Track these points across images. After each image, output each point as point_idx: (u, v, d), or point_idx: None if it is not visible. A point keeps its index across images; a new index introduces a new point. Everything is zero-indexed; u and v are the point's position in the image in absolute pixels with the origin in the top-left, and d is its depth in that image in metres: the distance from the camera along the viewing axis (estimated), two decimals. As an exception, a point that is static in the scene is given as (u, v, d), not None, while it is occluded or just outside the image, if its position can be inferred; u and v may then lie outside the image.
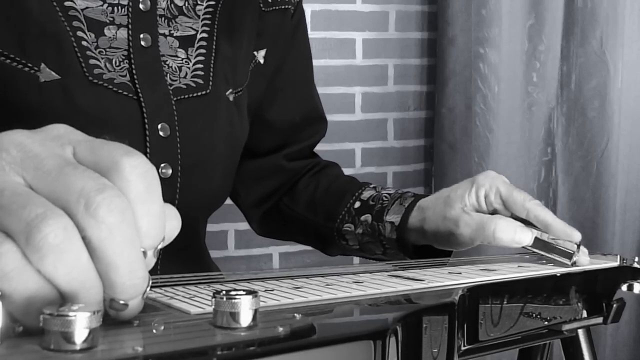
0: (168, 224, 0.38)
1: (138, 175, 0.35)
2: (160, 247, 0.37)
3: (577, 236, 0.69)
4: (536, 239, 0.69)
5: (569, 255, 0.66)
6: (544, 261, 0.68)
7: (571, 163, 1.83)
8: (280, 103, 0.88)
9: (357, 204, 0.84)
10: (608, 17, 1.76)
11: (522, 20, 1.78)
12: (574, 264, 0.66)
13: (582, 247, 0.68)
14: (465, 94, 1.76)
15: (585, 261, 0.67)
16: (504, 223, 0.70)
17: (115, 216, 0.34)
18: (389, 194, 0.83)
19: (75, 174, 0.34)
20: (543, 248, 0.68)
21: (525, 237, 0.70)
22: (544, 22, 1.79)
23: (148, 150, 0.68)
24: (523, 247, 0.70)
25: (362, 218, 0.83)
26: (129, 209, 0.34)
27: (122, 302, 0.35)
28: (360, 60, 1.82)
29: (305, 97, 0.92)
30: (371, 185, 0.86)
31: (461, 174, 1.76)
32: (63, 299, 0.34)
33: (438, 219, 0.75)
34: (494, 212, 0.74)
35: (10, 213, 0.33)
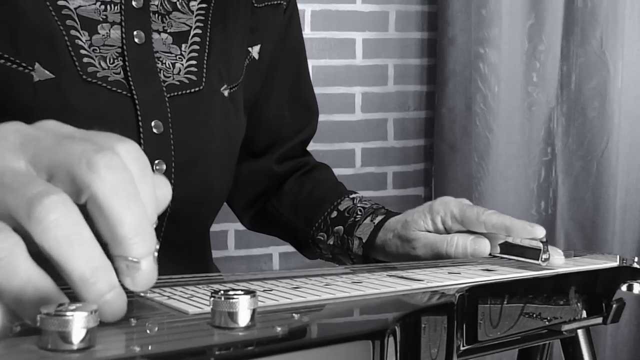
0: (159, 192, 0.39)
1: (132, 159, 0.37)
2: (155, 224, 0.38)
3: (539, 232, 0.66)
4: (503, 244, 0.68)
5: (536, 253, 0.63)
6: (513, 262, 0.66)
7: (571, 163, 1.83)
8: (274, 98, 0.88)
9: (334, 214, 0.85)
10: (608, 17, 1.76)
11: (522, 20, 1.78)
12: (546, 262, 0.63)
13: (556, 249, 0.65)
14: (465, 94, 1.76)
15: (559, 261, 0.64)
16: (455, 239, 0.71)
17: (117, 173, 0.36)
18: (364, 208, 0.83)
19: (73, 142, 0.37)
20: (512, 252, 0.67)
21: (479, 245, 0.69)
22: (544, 22, 1.79)
23: (142, 146, 0.69)
24: (493, 255, 0.69)
25: (336, 229, 0.84)
26: (127, 169, 0.36)
27: (133, 259, 0.36)
28: (360, 60, 1.82)
29: (296, 91, 0.92)
30: (351, 196, 0.87)
31: (461, 174, 1.76)
32: (68, 286, 0.34)
33: (397, 241, 0.76)
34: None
35: (12, 190, 0.35)
